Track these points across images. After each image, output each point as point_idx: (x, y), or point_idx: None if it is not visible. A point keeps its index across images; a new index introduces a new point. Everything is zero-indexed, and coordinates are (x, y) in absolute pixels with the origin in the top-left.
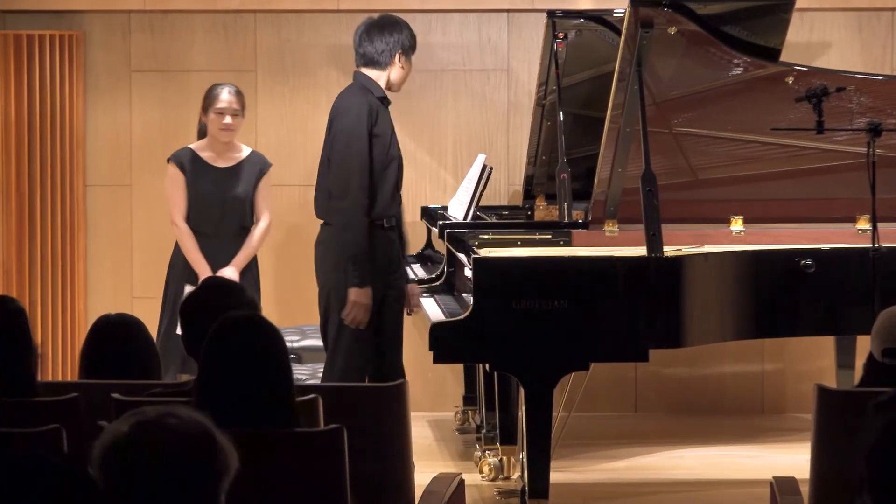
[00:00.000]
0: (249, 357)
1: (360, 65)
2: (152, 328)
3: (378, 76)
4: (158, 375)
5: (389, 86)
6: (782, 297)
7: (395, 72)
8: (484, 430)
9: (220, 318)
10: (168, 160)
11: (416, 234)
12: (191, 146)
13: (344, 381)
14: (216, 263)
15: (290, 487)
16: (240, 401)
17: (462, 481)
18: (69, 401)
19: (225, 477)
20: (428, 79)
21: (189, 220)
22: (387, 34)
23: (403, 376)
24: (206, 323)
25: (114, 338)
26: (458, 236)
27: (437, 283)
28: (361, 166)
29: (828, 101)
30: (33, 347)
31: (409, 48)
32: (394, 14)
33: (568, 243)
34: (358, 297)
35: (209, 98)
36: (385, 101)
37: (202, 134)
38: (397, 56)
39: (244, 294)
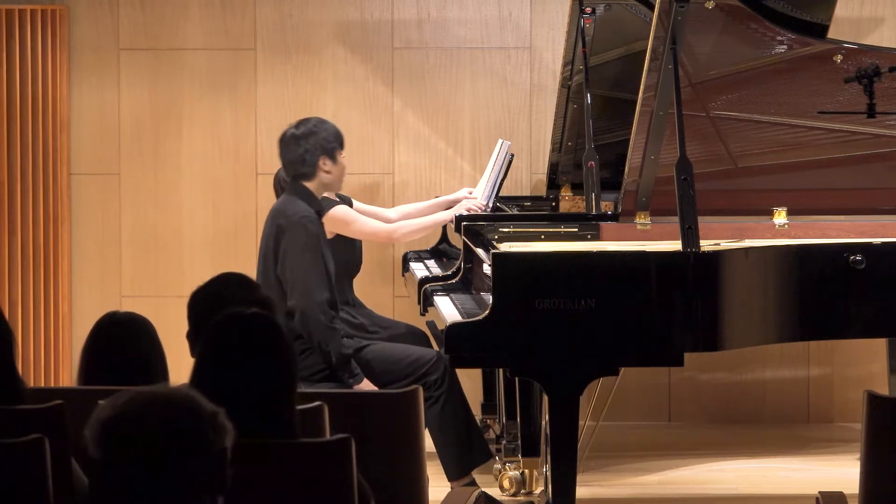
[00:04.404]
0: (250, 359)
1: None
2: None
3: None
4: (166, 383)
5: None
6: (830, 295)
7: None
8: (504, 441)
9: (221, 314)
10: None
11: None
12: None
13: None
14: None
15: (294, 501)
16: (234, 406)
17: (481, 496)
18: (54, 408)
19: (227, 435)
20: (443, 58)
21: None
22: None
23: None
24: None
25: (121, 339)
26: (476, 229)
27: (454, 281)
28: None
29: (880, 82)
30: (12, 341)
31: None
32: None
33: (596, 237)
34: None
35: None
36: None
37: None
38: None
39: (258, 290)
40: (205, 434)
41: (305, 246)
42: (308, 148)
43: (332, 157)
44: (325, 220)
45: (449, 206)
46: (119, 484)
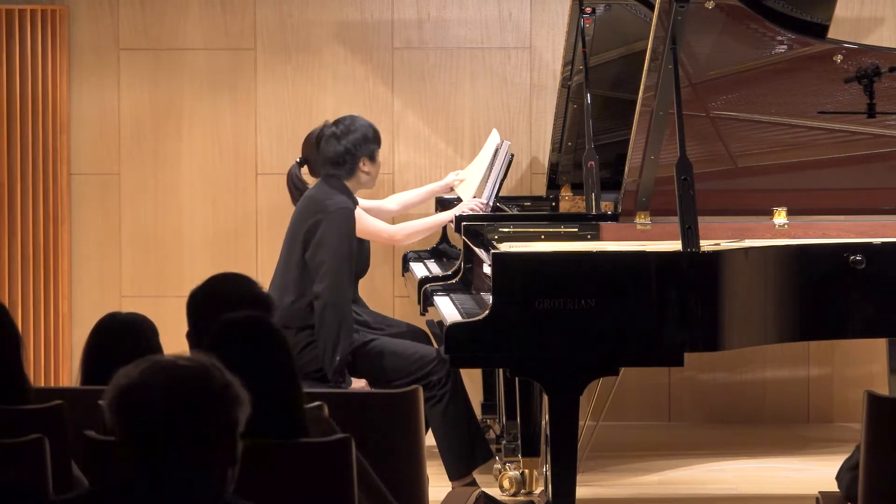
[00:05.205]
0: (250, 362)
1: None
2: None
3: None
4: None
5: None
6: (830, 295)
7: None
8: (504, 441)
9: (221, 317)
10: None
11: None
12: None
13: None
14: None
15: (294, 501)
16: None
17: (481, 496)
18: (53, 408)
19: (240, 407)
20: (443, 57)
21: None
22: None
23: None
24: (215, 318)
25: (121, 339)
26: (476, 230)
27: (454, 281)
28: None
29: (880, 82)
30: (20, 345)
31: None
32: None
33: (596, 237)
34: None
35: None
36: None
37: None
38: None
39: (255, 286)
40: (215, 406)
41: (345, 236)
42: (348, 148)
43: (372, 158)
44: None
45: (441, 191)
46: (131, 451)
